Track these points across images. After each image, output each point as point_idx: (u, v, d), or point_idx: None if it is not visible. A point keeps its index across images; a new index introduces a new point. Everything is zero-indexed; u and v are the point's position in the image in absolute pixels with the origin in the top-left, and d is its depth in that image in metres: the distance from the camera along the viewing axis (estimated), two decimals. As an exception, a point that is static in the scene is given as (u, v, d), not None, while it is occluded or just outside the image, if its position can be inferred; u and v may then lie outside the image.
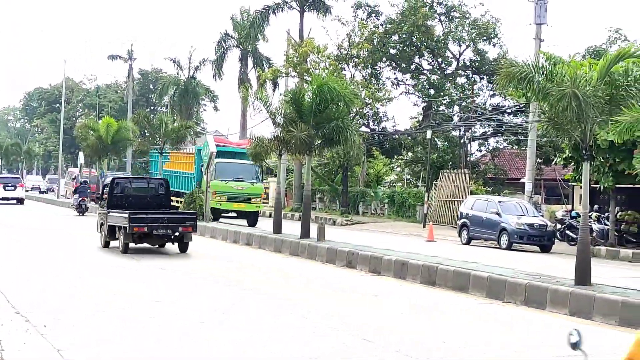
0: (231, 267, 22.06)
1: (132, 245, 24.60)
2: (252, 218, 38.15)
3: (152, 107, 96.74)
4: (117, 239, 25.24)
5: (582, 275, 16.84)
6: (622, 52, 17.04)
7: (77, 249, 26.15)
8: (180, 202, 40.09)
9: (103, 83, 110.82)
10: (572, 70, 17.04)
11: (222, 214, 38.89)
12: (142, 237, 24.60)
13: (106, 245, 26.14)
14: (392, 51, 56.27)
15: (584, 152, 17.54)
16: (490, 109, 54.97)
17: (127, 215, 24.00)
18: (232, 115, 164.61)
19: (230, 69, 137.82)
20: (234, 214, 39.51)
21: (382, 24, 56.33)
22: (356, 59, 54.80)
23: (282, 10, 61.35)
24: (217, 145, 38.92)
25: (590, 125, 17.02)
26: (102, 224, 26.55)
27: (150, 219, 24.28)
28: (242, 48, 67.54)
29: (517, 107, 51.43)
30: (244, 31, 64.85)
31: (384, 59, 56.44)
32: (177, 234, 24.65)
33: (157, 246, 25.72)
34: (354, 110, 44.65)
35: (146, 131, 48.67)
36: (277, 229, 29.22)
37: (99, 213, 27.80)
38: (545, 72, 17.37)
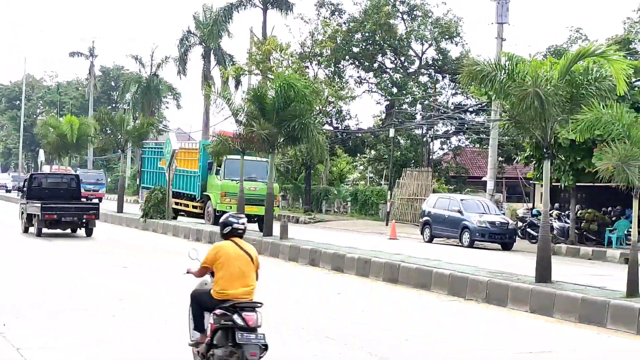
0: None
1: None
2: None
3: (113, 105, 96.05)
4: (33, 225, 29.81)
5: (543, 273, 16.97)
6: (583, 51, 17.21)
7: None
8: (182, 204, 37.33)
9: (64, 80, 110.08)
10: (533, 69, 17.17)
11: None
12: (53, 223, 29.27)
13: (25, 230, 30.50)
14: (355, 49, 56.36)
15: (544, 150, 17.68)
16: (452, 107, 55.27)
17: (39, 205, 28.87)
18: (195, 113, 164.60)
19: (194, 66, 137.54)
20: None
21: (345, 23, 56.39)
22: (319, 57, 54.83)
23: (245, 8, 61.24)
24: None
25: (551, 123, 17.16)
26: (22, 213, 31.01)
27: (59, 208, 29.34)
28: (205, 45, 67.26)
29: (479, 105, 51.74)
30: (207, 29, 64.57)
31: (347, 57, 56.51)
32: (83, 221, 29.70)
33: (68, 230, 30.31)
34: (317, 108, 44.60)
35: (108, 129, 48.26)
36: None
37: (20, 204, 32.51)
38: (507, 71, 17.49)
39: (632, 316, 13.73)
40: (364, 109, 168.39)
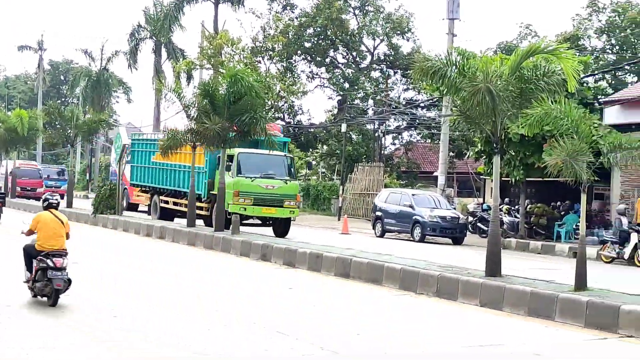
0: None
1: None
2: (281, 226, 29.97)
3: (63, 99, 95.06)
4: None
5: (493, 267, 17.09)
6: (533, 47, 17.36)
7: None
8: (182, 204, 32.16)
9: (12, 74, 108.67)
10: (484, 65, 17.28)
11: (243, 222, 29.42)
12: None
13: None
14: (307, 44, 56.42)
15: (495, 145, 17.81)
16: (404, 102, 55.54)
17: None
18: (146, 107, 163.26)
19: (145, 60, 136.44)
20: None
21: (296, 17, 56.41)
22: (271, 52, 54.75)
23: (196, 1, 60.96)
24: None
25: (501, 119, 17.29)
26: None
27: None
28: (156, 39, 66.81)
29: (431, 101, 52.08)
30: (158, 23, 64.17)
31: (299, 52, 56.56)
32: None
33: None
34: (269, 103, 44.48)
35: (57, 123, 47.71)
36: (191, 222, 28.96)
37: None
38: (458, 67, 17.58)
39: (580, 309, 13.90)
40: (316, 104, 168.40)
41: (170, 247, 26.69)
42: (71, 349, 10.58)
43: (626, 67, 48.74)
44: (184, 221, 30.00)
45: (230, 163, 29.01)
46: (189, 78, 58.83)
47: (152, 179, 35.27)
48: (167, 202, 33.81)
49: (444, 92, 24.70)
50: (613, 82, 51.48)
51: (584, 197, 16.00)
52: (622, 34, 50.64)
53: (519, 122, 18.00)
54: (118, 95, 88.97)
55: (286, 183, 29.33)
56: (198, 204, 30.69)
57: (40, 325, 11.98)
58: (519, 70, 17.19)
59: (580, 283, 15.29)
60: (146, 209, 37.53)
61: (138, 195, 38.48)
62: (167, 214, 33.96)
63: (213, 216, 29.21)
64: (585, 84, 34.47)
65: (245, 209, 28.76)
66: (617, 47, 52.74)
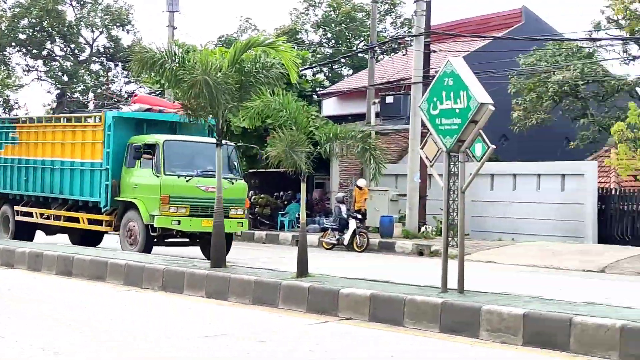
0: None
1: None
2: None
3: None
4: None
5: (217, 258, 17.28)
6: (252, 40, 17.71)
7: None
8: (62, 217, 24.23)
9: None
10: (204, 57, 17.42)
11: (166, 240, 22.58)
12: None
13: None
14: (22, 36, 54.41)
15: (216, 138, 17.97)
16: (126, 95, 54.91)
17: None
18: None
19: None
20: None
21: (9, 8, 54.24)
22: (-18, 44, 52.30)
23: None
24: (145, 111, 23.23)
25: (222, 111, 17.48)
26: None
27: None
28: None
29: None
30: None
31: (13, 44, 54.42)
32: None
33: None
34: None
35: None
36: None
37: None
38: (178, 60, 17.62)
39: (301, 295, 14.33)
40: (34, 98, 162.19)
41: None
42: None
43: (342, 60, 50.92)
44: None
45: (149, 156, 21.59)
46: None
47: (1, 182, 26.36)
48: (28, 214, 25.32)
49: (165, 85, 24.67)
50: (330, 74, 53.60)
51: (303, 187, 16.49)
52: (338, 28, 52.81)
53: (240, 115, 18.29)
54: None
55: (232, 183, 22.13)
56: (96, 217, 23.07)
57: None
58: (239, 63, 17.49)
59: (302, 270, 15.77)
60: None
61: None
62: (26, 230, 25.70)
63: (121, 233, 22.40)
64: (303, 77, 35.62)
65: (179, 222, 21.32)
66: (333, 41, 54.94)
